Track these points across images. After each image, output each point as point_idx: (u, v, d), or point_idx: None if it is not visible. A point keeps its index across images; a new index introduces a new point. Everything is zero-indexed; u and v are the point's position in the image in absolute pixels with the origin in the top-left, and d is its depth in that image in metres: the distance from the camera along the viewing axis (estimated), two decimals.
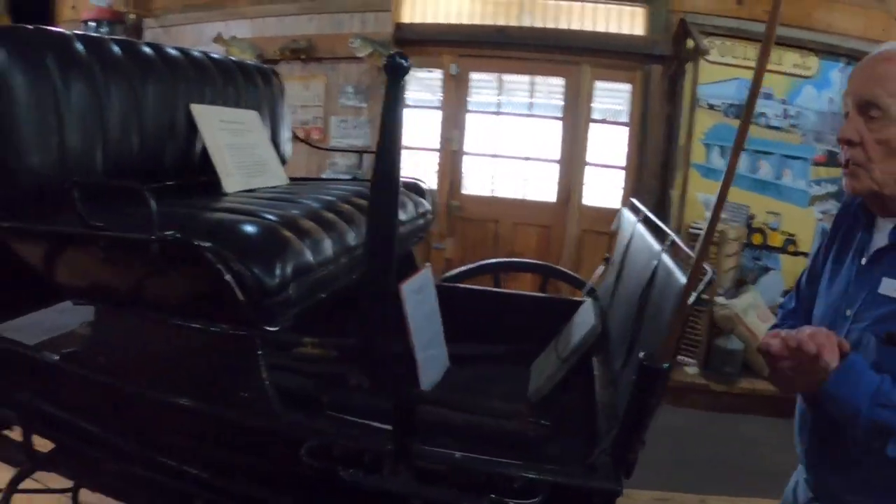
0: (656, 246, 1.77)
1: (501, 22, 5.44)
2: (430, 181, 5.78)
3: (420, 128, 5.99)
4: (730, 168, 1.07)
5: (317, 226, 1.65)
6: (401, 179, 2.36)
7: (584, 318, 2.05)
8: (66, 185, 1.46)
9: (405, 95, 2.61)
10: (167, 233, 1.35)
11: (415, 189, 2.51)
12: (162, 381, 1.55)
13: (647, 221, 2.13)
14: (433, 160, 5.94)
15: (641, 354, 1.19)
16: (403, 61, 0.99)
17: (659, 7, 5.07)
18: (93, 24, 6.44)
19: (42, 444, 1.95)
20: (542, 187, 5.67)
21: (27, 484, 2.14)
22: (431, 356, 1.98)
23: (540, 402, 1.78)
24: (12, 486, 1.93)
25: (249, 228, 1.49)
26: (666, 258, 1.58)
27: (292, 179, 2.49)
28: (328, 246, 1.64)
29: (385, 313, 1.23)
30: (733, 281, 4.83)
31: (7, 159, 1.57)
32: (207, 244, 1.33)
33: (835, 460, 1.36)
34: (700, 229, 4.57)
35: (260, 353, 1.41)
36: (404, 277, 1.91)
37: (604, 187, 5.56)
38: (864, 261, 1.35)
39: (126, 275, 1.55)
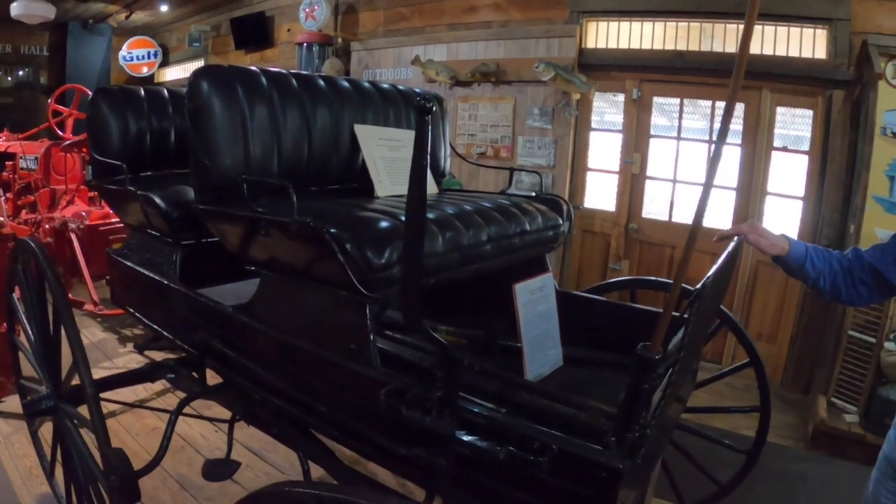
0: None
1: (682, 47, 5.53)
2: (609, 203, 6.02)
3: (601, 150, 6.22)
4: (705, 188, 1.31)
5: (435, 226, 2.01)
6: (545, 196, 2.71)
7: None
8: (239, 180, 1.97)
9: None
10: (302, 218, 1.78)
11: (554, 205, 2.77)
12: (299, 330, 2.01)
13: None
14: (613, 182, 6.14)
15: (639, 346, 1.42)
16: (427, 103, 1.32)
17: (841, 29, 4.92)
18: (305, 45, 7.28)
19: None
20: (720, 215, 5.63)
21: (188, 412, 2.71)
22: (541, 351, 2.22)
23: None
24: (181, 406, 2.48)
25: (373, 221, 1.89)
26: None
27: (444, 191, 2.90)
28: (440, 242, 1.98)
29: (414, 303, 1.51)
30: None
31: (206, 161, 2.13)
32: (332, 229, 1.75)
33: None
34: None
35: (368, 316, 1.79)
36: (527, 278, 2.23)
37: (782, 218, 5.44)
38: None
39: (277, 249, 2.03)
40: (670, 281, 3.44)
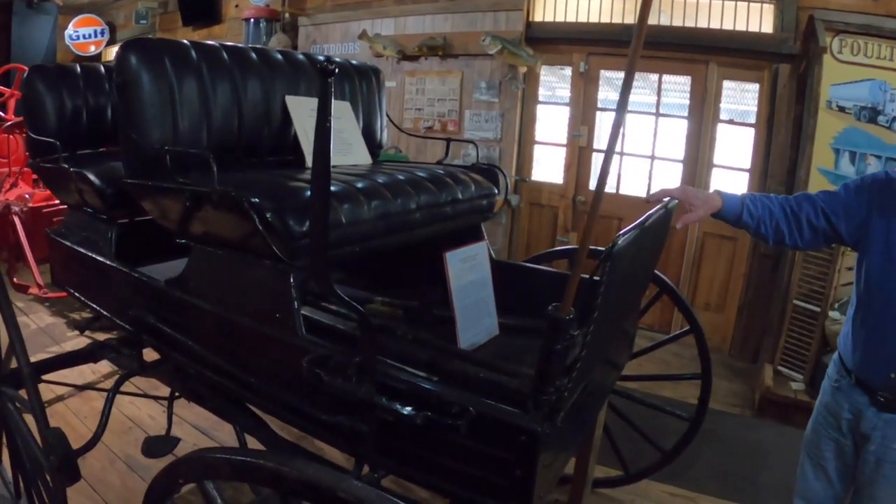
0: None
1: (630, 20, 5.54)
2: (556, 176, 6.06)
3: (549, 123, 6.26)
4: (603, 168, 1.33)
5: (362, 195, 2.02)
6: (481, 166, 2.72)
7: None
8: (161, 152, 1.95)
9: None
10: (223, 188, 1.77)
11: (490, 175, 2.78)
12: (228, 302, 2.00)
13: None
14: (561, 155, 6.17)
15: (550, 307, 1.43)
16: (329, 65, 1.32)
17: (788, 3, 4.97)
18: (252, 21, 7.19)
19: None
20: (665, 187, 5.66)
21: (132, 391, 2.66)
22: (475, 320, 2.22)
23: None
24: (119, 384, 2.47)
25: (296, 190, 1.89)
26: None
27: (380, 162, 2.90)
28: (366, 210, 1.99)
29: (323, 267, 1.53)
30: (850, 296, 4.50)
31: (134, 135, 2.10)
32: (253, 198, 1.74)
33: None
34: None
35: (292, 284, 1.79)
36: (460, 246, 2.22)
37: (728, 190, 5.45)
38: None
39: (203, 220, 2.01)
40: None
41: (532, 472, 1.46)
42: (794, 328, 4.56)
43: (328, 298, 1.63)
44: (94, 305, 2.77)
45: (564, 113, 6.11)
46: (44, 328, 5.18)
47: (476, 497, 1.58)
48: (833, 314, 4.32)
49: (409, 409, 1.50)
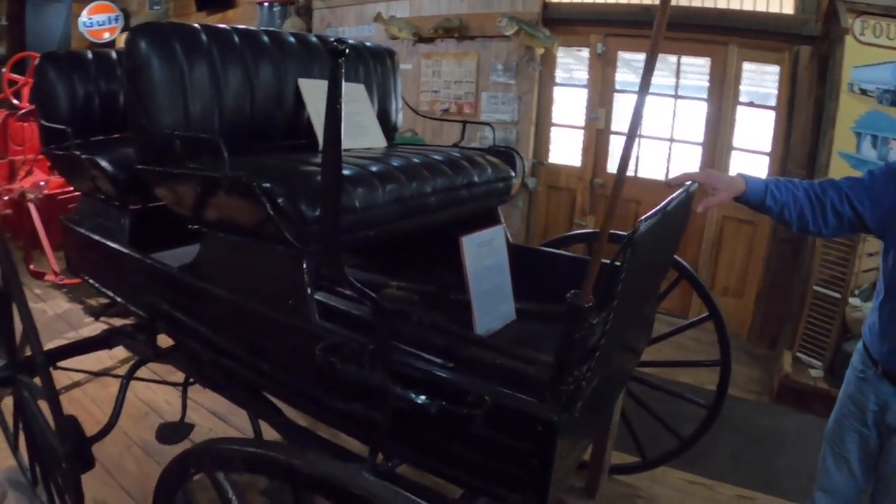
0: None
1: (648, 1, 5.45)
2: (574, 158, 6.00)
3: (566, 106, 6.19)
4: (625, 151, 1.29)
5: (376, 179, 1.98)
6: (498, 148, 2.68)
7: None
8: (172, 137, 1.93)
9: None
10: (234, 173, 1.75)
11: (507, 157, 2.74)
12: (241, 288, 1.98)
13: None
14: (578, 138, 6.11)
15: (569, 294, 1.38)
16: (339, 45, 1.28)
17: None
18: (267, 5, 7.16)
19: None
20: (685, 170, 5.60)
21: (148, 376, 2.64)
22: (492, 306, 2.17)
23: None
24: (132, 371, 2.46)
25: (308, 174, 1.87)
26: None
27: (396, 145, 2.86)
28: (380, 194, 1.95)
29: (335, 252, 1.49)
30: (871, 282, 4.26)
31: (145, 121, 2.08)
32: (265, 183, 1.71)
33: None
34: None
35: (305, 269, 1.76)
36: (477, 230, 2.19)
37: (748, 174, 5.40)
38: None
39: (215, 206, 1.99)
40: (626, 234, 3.45)
41: (549, 462, 1.42)
42: (813, 314, 4.49)
43: (341, 284, 1.59)
44: (109, 292, 2.77)
45: (582, 95, 6.03)
46: (61, 314, 5.21)
47: (492, 487, 1.55)
48: (854, 300, 4.25)
49: (423, 397, 1.47)
